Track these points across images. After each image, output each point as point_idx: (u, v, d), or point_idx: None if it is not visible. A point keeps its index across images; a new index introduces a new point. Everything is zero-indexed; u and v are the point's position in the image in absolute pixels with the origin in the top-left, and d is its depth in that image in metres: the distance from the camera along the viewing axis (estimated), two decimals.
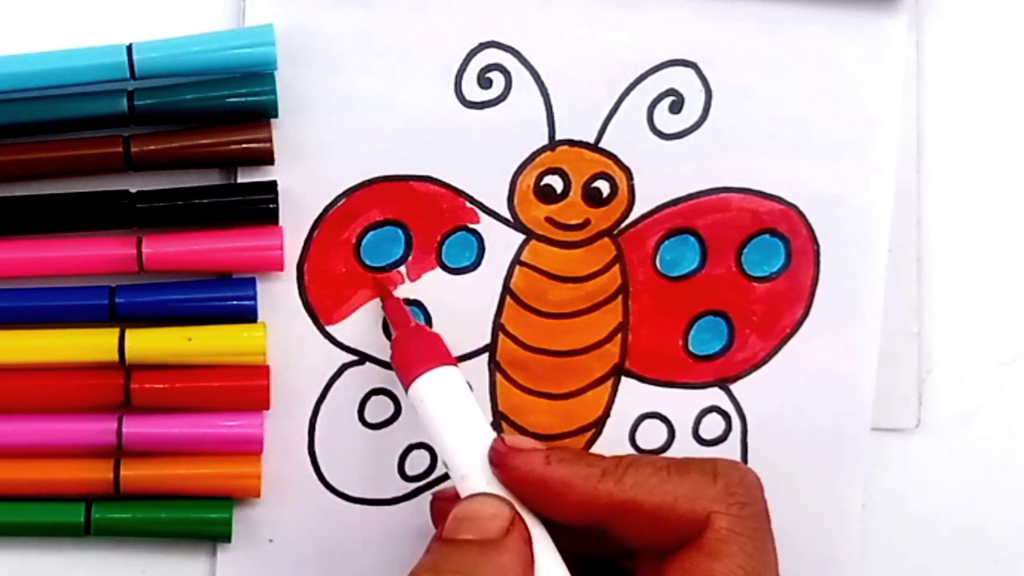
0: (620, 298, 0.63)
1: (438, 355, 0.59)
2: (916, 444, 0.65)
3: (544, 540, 0.55)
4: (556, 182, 0.62)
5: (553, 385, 0.63)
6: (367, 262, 0.62)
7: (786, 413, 0.63)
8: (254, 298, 0.61)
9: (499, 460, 0.56)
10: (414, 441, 0.63)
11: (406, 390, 0.58)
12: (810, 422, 0.63)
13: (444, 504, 0.59)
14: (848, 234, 0.63)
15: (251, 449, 0.61)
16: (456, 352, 0.63)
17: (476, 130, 0.62)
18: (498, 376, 0.63)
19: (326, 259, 0.62)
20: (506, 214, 0.62)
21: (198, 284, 0.61)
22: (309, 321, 0.62)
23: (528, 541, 0.55)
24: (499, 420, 0.63)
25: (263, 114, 0.60)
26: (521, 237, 0.62)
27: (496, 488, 0.56)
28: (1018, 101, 0.64)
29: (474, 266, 0.63)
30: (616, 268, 0.63)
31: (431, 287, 0.62)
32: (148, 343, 0.60)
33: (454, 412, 0.57)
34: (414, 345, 0.59)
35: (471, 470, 0.56)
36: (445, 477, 0.63)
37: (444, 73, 0.62)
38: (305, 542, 0.63)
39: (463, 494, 0.56)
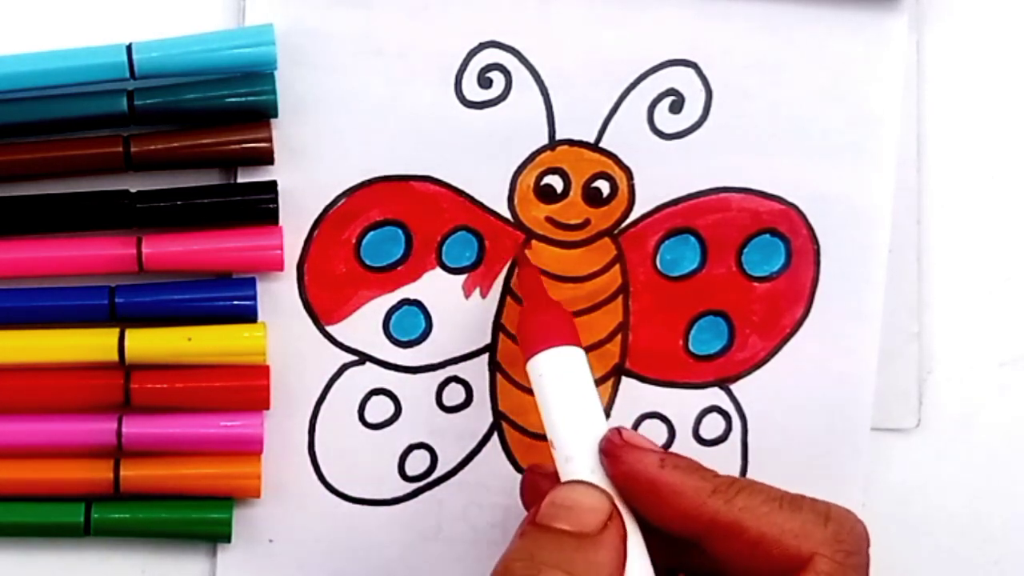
0: (620, 298, 0.63)
1: (567, 334, 0.58)
2: (916, 444, 0.65)
3: (637, 541, 0.54)
4: (556, 182, 0.62)
5: None
6: (367, 262, 0.62)
7: (786, 413, 0.63)
8: (254, 298, 0.61)
9: (613, 451, 0.55)
10: (414, 441, 0.63)
11: (526, 361, 0.58)
12: (810, 422, 0.63)
13: (538, 479, 0.58)
14: (848, 234, 0.63)
15: (251, 449, 0.61)
16: (456, 352, 0.63)
17: (476, 130, 0.62)
18: (498, 376, 0.63)
19: (326, 259, 0.62)
20: (506, 214, 0.62)
21: (198, 284, 0.61)
22: (309, 321, 0.62)
23: (624, 539, 0.54)
24: (499, 420, 0.63)
25: (263, 114, 0.60)
26: (521, 237, 0.62)
27: (599, 477, 0.55)
28: (1018, 101, 0.64)
29: (474, 266, 0.63)
30: (616, 268, 0.63)
31: (431, 287, 0.62)
32: (148, 343, 0.60)
33: (570, 393, 0.57)
34: (543, 319, 0.58)
35: (577, 454, 0.55)
36: (446, 477, 0.63)
37: (444, 73, 0.62)
38: (305, 542, 0.63)
39: (564, 477, 0.55)
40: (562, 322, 0.58)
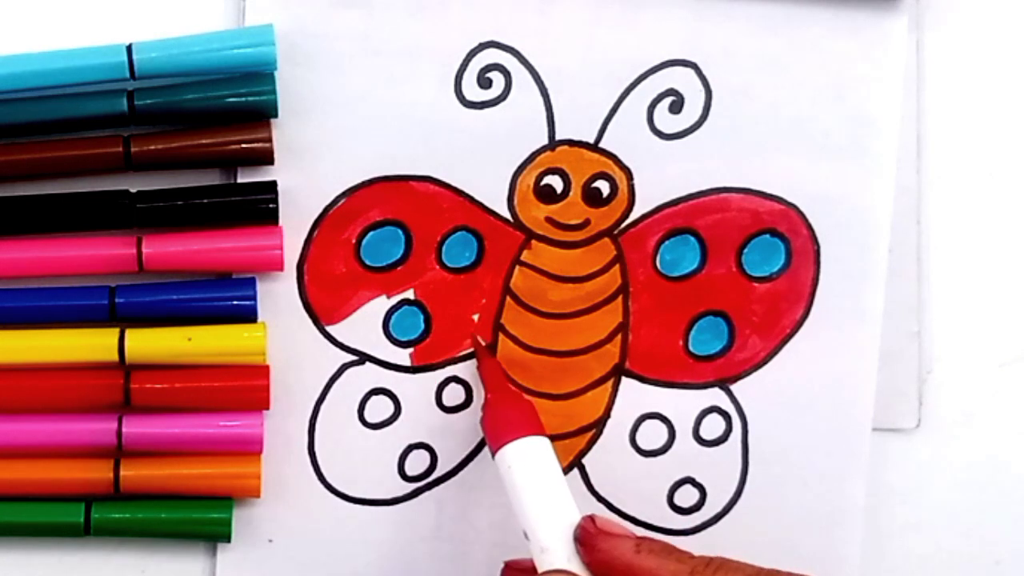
0: (620, 298, 0.63)
1: (530, 424, 0.58)
2: (916, 444, 0.65)
3: None
4: (556, 182, 0.62)
5: (553, 385, 0.63)
6: (367, 262, 0.62)
7: (787, 413, 0.63)
8: (254, 298, 0.61)
9: (587, 540, 0.56)
10: (414, 441, 0.63)
11: (493, 454, 0.58)
12: (811, 422, 0.63)
13: (514, 575, 0.59)
14: (848, 234, 0.63)
15: (251, 449, 0.61)
16: (456, 352, 0.63)
17: (476, 130, 0.62)
18: None
19: (326, 259, 0.62)
20: (506, 214, 0.62)
21: (198, 284, 0.61)
22: (309, 321, 0.62)
23: None
24: None
25: (263, 114, 0.60)
26: (521, 237, 0.62)
27: (576, 566, 0.56)
28: (1018, 101, 0.64)
29: (474, 266, 0.63)
30: (616, 268, 0.63)
31: (431, 287, 0.62)
32: (148, 343, 0.60)
33: (542, 483, 0.57)
34: (507, 410, 0.59)
35: (552, 544, 0.56)
36: (446, 477, 0.63)
37: (444, 73, 0.62)
38: (305, 542, 0.63)
39: (540, 568, 0.56)
40: (526, 412, 0.59)
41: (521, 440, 0.58)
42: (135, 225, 0.60)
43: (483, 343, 0.62)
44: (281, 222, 0.61)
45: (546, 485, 0.57)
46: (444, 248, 0.62)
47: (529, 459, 0.58)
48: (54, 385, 0.60)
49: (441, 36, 0.62)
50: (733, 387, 0.63)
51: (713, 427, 0.63)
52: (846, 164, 0.63)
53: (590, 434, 0.63)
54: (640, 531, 0.61)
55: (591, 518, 0.56)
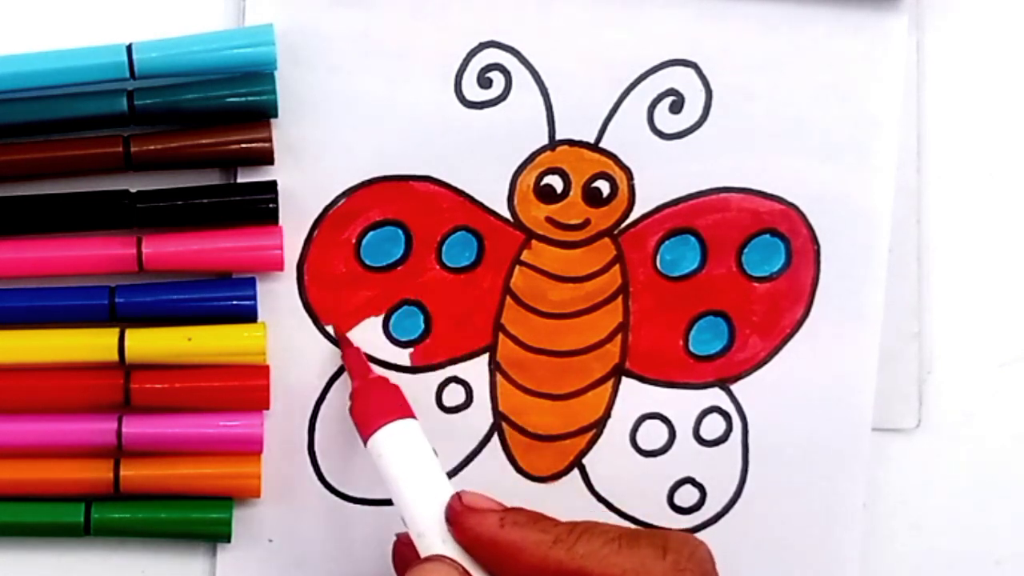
0: (620, 298, 0.63)
1: (398, 408, 0.58)
2: (916, 444, 0.65)
3: None
4: (556, 182, 0.62)
5: (554, 385, 0.63)
6: (367, 262, 0.62)
7: (787, 413, 0.63)
8: (254, 298, 0.61)
9: (454, 518, 0.56)
10: None
11: (364, 443, 0.58)
12: (811, 422, 0.63)
13: (404, 549, 0.59)
14: (848, 234, 0.63)
15: (251, 449, 0.61)
16: (456, 352, 0.63)
17: (476, 130, 0.62)
18: (498, 376, 0.63)
19: (326, 259, 0.62)
20: (506, 214, 0.62)
21: (198, 284, 0.61)
22: (309, 321, 0.62)
23: None
24: (500, 421, 0.63)
25: (263, 114, 0.60)
26: (521, 237, 0.62)
27: (452, 547, 0.56)
28: (1018, 101, 0.64)
29: (474, 266, 0.63)
30: (616, 268, 0.63)
31: (431, 287, 0.62)
32: (148, 343, 0.60)
33: (413, 467, 0.57)
34: (374, 397, 0.59)
35: (427, 528, 0.56)
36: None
37: (444, 73, 0.62)
38: (305, 542, 0.63)
39: (420, 552, 0.56)
40: (391, 396, 0.59)
41: (389, 425, 0.58)
42: (135, 225, 0.60)
43: (344, 333, 0.62)
44: (281, 222, 0.61)
45: (418, 468, 0.57)
46: (444, 248, 0.62)
47: (399, 443, 0.58)
48: (54, 385, 0.60)
49: (441, 36, 0.62)
50: (733, 387, 0.63)
51: (713, 427, 0.64)
52: (846, 164, 0.63)
53: (590, 434, 0.63)
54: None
55: (458, 495, 0.56)
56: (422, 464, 0.57)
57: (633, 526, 0.55)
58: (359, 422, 0.59)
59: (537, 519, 0.55)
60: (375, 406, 0.59)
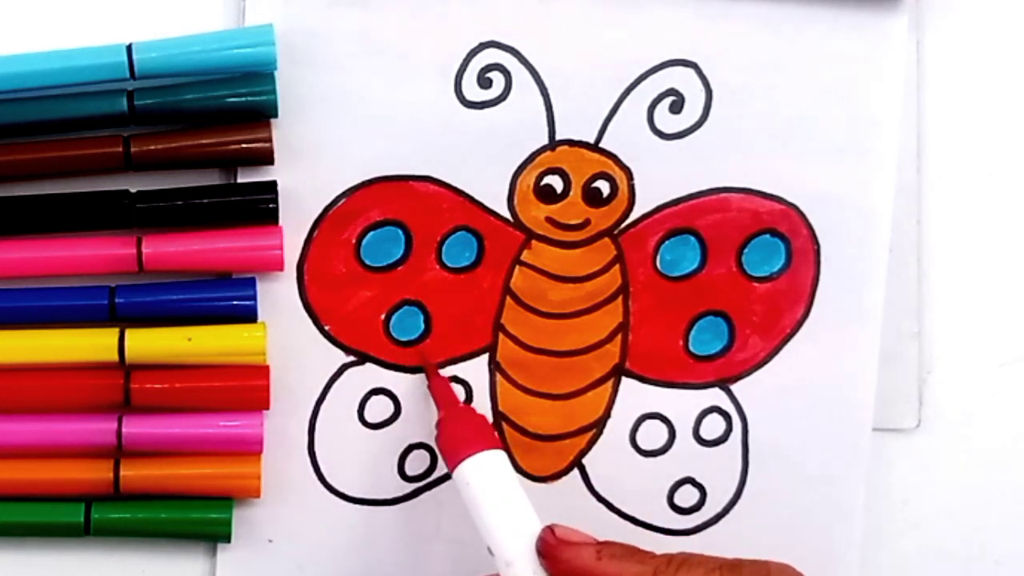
0: (620, 298, 0.63)
1: (485, 438, 0.59)
2: (916, 444, 0.65)
3: None
4: (556, 182, 0.62)
5: (553, 385, 0.63)
6: (367, 262, 0.62)
7: (787, 413, 0.63)
8: (254, 298, 0.61)
9: (548, 552, 0.56)
10: (414, 441, 0.63)
11: (451, 471, 0.58)
12: (811, 422, 0.63)
13: None
14: (848, 234, 0.63)
15: (251, 449, 0.61)
16: (456, 352, 0.63)
17: (476, 130, 0.62)
18: (498, 376, 0.63)
19: (326, 259, 0.62)
20: (506, 214, 0.62)
21: (198, 284, 0.61)
22: (309, 321, 0.62)
23: None
24: (499, 421, 0.63)
25: (263, 114, 0.60)
26: (521, 237, 0.62)
27: None
28: (1018, 101, 0.64)
29: (474, 266, 0.63)
30: (616, 268, 0.63)
31: (431, 287, 0.62)
32: (148, 343, 0.60)
33: (501, 497, 0.57)
34: (461, 426, 0.59)
35: (517, 558, 0.56)
36: (447, 477, 0.63)
37: (444, 73, 0.62)
38: (305, 542, 0.63)
39: None
40: (481, 427, 0.59)
41: (478, 455, 0.58)
42: (135, 225, 0.60)
43: (432, 362, 0.62)
44: (281, 222, 0.61)
45: (506, 498, 0.58)
46: (444, 248, 0.62)
47: (487, 473, 0.58)
48: (54, 385, 0.60)
49: (441, 36, 0.62)
50: (733, 387, 0.63)
51: (713, 427, 0.63)
52: (846, 164, 0.63)
53: (590, 434, 0.63)
54: (641, 532, 0.61)
55: (550, 528, 0.56)
56: (511, 494, 0.58)
57: (732, 557, 0.55)
58: (446, 450, 0.59)
59: (634, 552, 0.56)
60: (464, 435, 0.59)
